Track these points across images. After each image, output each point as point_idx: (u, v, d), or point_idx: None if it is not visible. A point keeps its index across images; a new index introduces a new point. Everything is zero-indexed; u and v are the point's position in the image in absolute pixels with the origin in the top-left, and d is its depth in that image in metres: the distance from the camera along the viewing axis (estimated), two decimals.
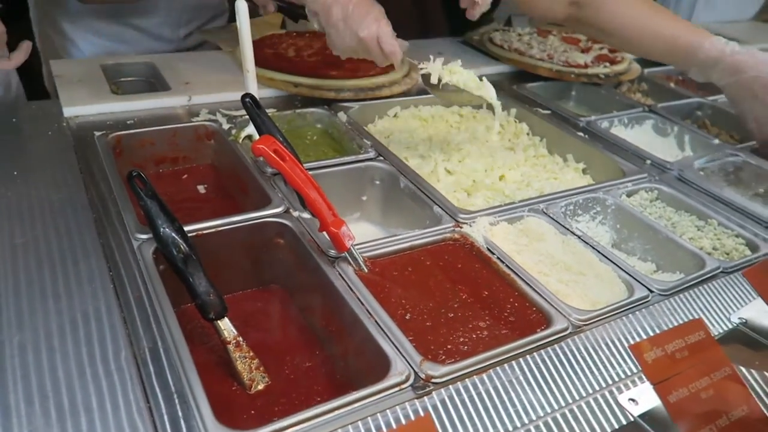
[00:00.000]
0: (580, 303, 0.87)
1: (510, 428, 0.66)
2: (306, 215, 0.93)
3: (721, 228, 1.10)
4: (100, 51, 1.63)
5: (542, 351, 0.76)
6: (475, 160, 1.24)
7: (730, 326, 0.86)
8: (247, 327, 0.84)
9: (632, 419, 0.69)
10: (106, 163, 1.05)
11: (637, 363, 0.69)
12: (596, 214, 1.13)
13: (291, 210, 0.96)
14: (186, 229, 0.81)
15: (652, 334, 0.81)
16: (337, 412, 0.65)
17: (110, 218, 0.92)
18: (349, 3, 1.18)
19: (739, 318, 0.87)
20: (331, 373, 0.81)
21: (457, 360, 0.73)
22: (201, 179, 1.18)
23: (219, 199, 1.14)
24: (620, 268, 0.93)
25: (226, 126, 1.23)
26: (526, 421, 0.67)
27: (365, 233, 1.10)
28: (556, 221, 1.03)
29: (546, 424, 0.67)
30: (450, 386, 0.70)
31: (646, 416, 0.69)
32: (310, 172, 0.88)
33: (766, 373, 0.77)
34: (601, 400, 0.71)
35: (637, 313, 0.85)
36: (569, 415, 0.69)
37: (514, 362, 0.74)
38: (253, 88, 1.17)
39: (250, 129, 1.17)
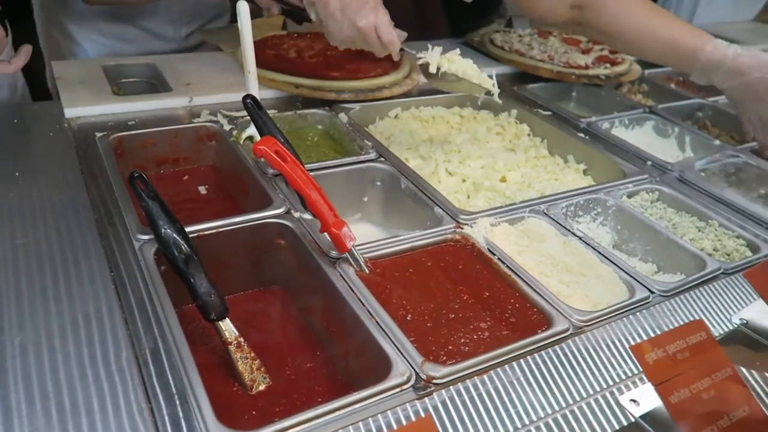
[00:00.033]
0: (581, 304, 0.87)
1: (511, 429, 0.66)
2: (307, 216, 0.93)
3: (722, 229, 1.10)
4: (104, 51, 1.64)
5: (543, 352, 0.76)
6: (476, 161, 1.24)
7: (731, 327, 0.86)
8: (248, 328, 0.84)
9: (633, 420, 0.69)
10: (108, 164, 1.05)
11: (638, 364, 0.69)
12: (597, 215, 1.13)
13: (292, 211, 0.96)
14: (187, 230, 0.82)
15: (653, 334, 0.81)
16: (338, 413, 0.65)
17: (111, 219, 0.92)
18: None
19: (740, 319, 0.87)
20: (332, 373, 0.81)
21: (459, 361, 0.73)
22: (202, 180, 1.18)
23: (220, 200, 1.14)
24: (621, 269, 0.93)
25: (227, 127, 1.23)
26: (527, 422, 0.67)
27: (366, 234, 1.10)
28: (557, 222, 1.03)
29: (547, 424, 0.67)
30: (451, 387, 0.70)
31: (648, 417, 0.69)
32: (311, 173, 0.88)
33: (766, 373, 0.77)
34: (602, 401, 0.71)
35: (638, 314, 0.85)
36: (570, 416, 0.69)
37: (515, 363, 0.74)
38: (255, 89, 1.17)
39: (252, 130, 1.17)
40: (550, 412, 0.69)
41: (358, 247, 0.87)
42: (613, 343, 0.79)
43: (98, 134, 1.14)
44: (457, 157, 1.25)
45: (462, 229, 0.98)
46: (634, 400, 0.71)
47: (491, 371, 0.72)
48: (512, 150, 1.33)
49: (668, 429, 0.67)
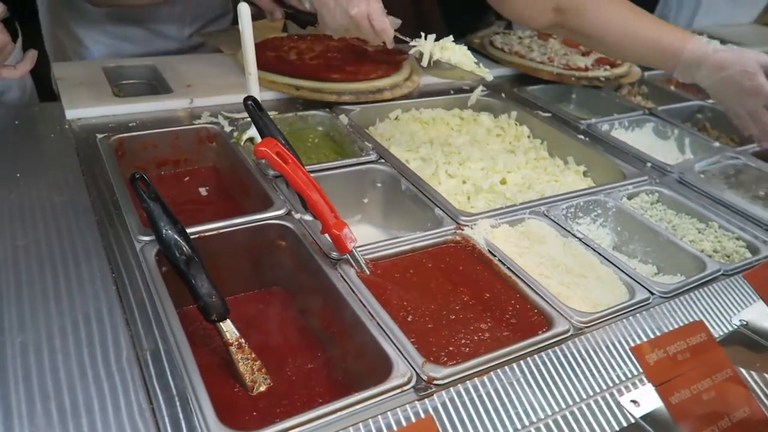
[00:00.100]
0: (581, 305, 0.87)
1: (511, 430, 0.66)
2: (308, 217, 0.93)
3: (722, 230, 1.10)
4: (108, 51, 1.65)
5: (544, 353, 0.76)
6: (476, 163, 1.24)
7: (731, 328, 0.86)
8: (249, 329, 0.84)
9: (634, 421, 0.69)
10: (109, 165, 1.05)
11: (638, 365, 0.69)
12: (597, 217, 1.13)
13: (293, 212, 0.96)
14: (188, 231, 0.82)
15: (653, 336, 0.81)
16: (339, 414, 0.65)
17: (112, 220, 0.92)
18: None
19: (740, 320, 0.87)
20: (332, 374, 0.81)
21: (459, 362, 0.73)
22: (203, 181, 1.18)
23: (221, 201, 1.14)
24: (621, 270, 0.93)
25: (227, 128, 1.23)
26: (528, 423, 0.67)
27: (367, 235, 1.10)
28: (557, 224, 1.04)
29: (547, 425, 0.68)
30: (452, 388, 0.70)
31: (648, 418, 0.69)
32: (312, 175, 0.88)
33: (766, 374, 0.78)
34: (602, 402, 0.71)
35: (638, 315, 0.85)
36: (571, 417, 0.69)
37: (515, 364, 0.74)
38: (255, 91, 1.17)
39: (252, 131, 1.17)
40: (550, 413, 0.69)
41: (358, 249, 0.87)
42: (614, 344, 0.80)
43: (99, 135, 1.14)
44: (457, 159, 1.25)
45: (462, 230, 0.98)
46: (634, 401, 0.71)
47: (492, 372, 0.73)
48: (512, 152, 1.33)
49: (669, 430, 0.67)
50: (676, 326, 0.84)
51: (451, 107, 1.49)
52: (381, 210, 1.16)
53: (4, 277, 0.79)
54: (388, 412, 0.66)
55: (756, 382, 0.76)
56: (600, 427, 0.68)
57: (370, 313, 0.78)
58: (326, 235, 0.86)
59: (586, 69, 1.70)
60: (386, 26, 1.19)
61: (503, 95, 1.56)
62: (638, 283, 0.91)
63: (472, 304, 0.86)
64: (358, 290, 0.82)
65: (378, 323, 0.77)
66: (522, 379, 0.72)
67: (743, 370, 0.76)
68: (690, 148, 1.48)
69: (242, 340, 0.78)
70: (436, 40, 1.24)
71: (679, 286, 0.91)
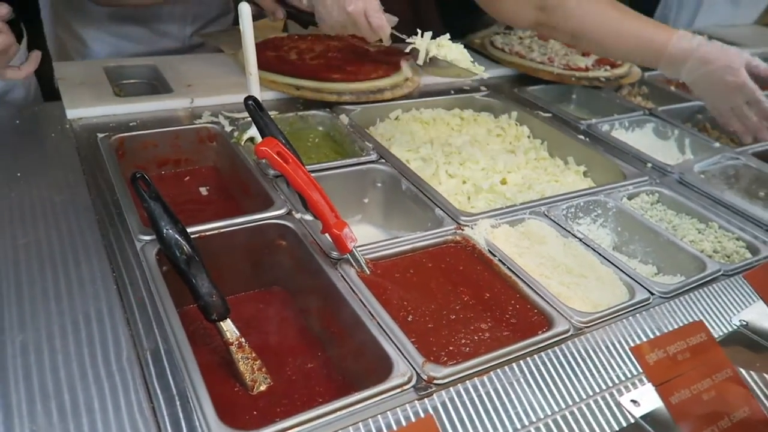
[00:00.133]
0: (581, 305, 0.87)
1: (511, 430, 0.66)
2: (308, 217, 0.93)
3: (722, 231, 1.10)
4: (109, 50, 1.65)
5: (544, 353, 0.76)
6: (477, 163, 1.25)
7: (731, 328, 0.86)
8: (249, 328, 0.85)
9: (634, 421, 0.70)
10: (109, 164, 1.05)
11: (638, 365, 0.69)
12: (597, 217, 1.13)
13: (293, 212, 0.96)
14: (189, 230, 0.82)
15: (653, 336, 0.81)
16: (339, 413, 0.65)
17: (113, 219, 0.92)
18: None
19: (740, 320, 0.87)
20: (333, 374, 0.81)
21: (459, 361, 0.73)
22: (203, 181, 1.18)
23: (221, 200, 1.14)
24: (621, 270, 0.93)
25: (228, 128, 1.23)
26: (528, 423, 0.67)
27: (367, 235, 1.11)
28: (557, 224, 1.04)
29: (547, 425, 0.68)
30: (452, 388, 0.70)
31: (648, 418, 0.69)
32: (312, 175, 0.88)
33: (766, 375, 0.78)
34: (602, 402, 0.71)
35: (638, 315, 0.85)
36: (571, 417, 0.69)
37: (515, 364, 0.74)
38: (256, 91, 1.17)
39: (253, 131, 1.17)
40: (550, 412, 0.69)
41: (359, 248, 0.88)
42: (614, 344, 0.80)
43: (100, 135, 1.14)
44: (457, 159, 1.25)
45: (462, 230, 0.98)
46: (634, 401, 0.71)
47: (492, 372, 0.73)
48: (512, 152, 1.33)
49: (669, 430, 0.67)
50: (676, 326, 0.84)
51: (452, 107, 1.49)
52: (381, 210, 1.16)
53: (5, 276, 0.79)
54: (388, 412, 0.66)
55: (756, 382, 0.76)
56: (600, 427, 0.68)
57: (370, 312, 0.78)
58: (327, 234, 0.86)
59: (587, 69, 1.70)
60: (383, 23, 1.19)
61: (504, 95, 1.56)
62: (638, 283, 0.91)
63: (473, 304, 0.86)
64: (359, 290, 0.82)
65: (378, 323, 0.77)
66: (522, 379, 0.72)
67: (743, 370, 0.76)
68: (690, 149, 1.48)
69: (242, 340, 0.78)
70: (433, 38, 1.25)
71: (679, 287, 0.91)
